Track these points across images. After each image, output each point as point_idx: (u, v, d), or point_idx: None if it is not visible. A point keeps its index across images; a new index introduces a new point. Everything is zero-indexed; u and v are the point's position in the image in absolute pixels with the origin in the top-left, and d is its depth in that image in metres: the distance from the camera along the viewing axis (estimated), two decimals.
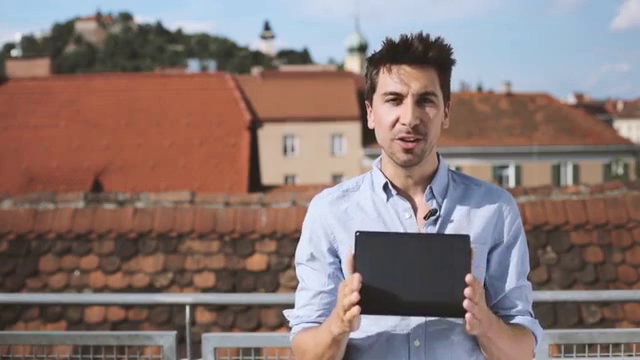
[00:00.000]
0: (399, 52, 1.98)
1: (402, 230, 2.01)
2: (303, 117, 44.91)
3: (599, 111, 76.48)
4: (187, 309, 4.21)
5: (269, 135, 38.86)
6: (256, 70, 64.22)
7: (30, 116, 21.77)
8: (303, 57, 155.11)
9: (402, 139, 1.98)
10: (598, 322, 5.85)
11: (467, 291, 1.78)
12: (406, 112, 1.97)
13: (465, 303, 1.78)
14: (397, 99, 1.99)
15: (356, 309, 1.78)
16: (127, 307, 5.99)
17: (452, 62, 2.04)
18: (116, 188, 18.77)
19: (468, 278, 1.78)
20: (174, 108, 22.24)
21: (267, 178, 30.18)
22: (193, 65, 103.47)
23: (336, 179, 39.88)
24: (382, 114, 2.01)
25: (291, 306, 2.14)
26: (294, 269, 2.99)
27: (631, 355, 3.90)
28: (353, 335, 1.93)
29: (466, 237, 1.81)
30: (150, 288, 6.14)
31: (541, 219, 6.28)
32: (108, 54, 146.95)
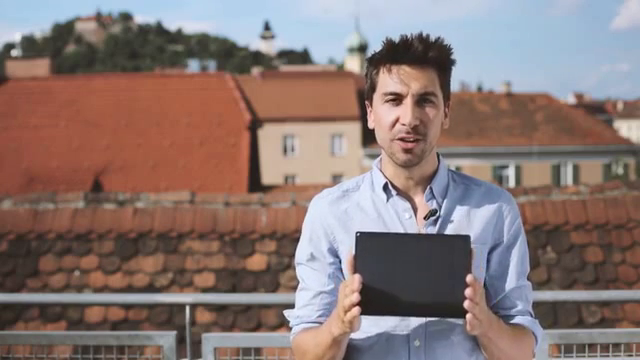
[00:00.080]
0: (399, 52, 1.98)
1: (402, 230, 2.01)
2: (303, 117, 44.89)
3: (599, 111, 76.49)
4: (187, 309, 4.21)
5: (269, 135, 38.85)
6: (256, 70, 64.22)
7: (30, 116, 21.77)
8: (303, 57, 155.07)
9: (402, 139, 1.98)
10: (598, 322, 5.85)
11: (468, 291, 1.78)
12: (406, 112, 1.97)
13: (466, 303, 1.78)
14: (397, 99, 1.99)
15: (357, 310, 1.78)
16: (127, 307, 5.99)
17: (452, 62, 2.04)
18: (116, 188, 18.76)
19: (469, 278, 1.78)
20: (174, 108, 22.24)
21: (267, 178, 30.18)
22: (193, 65, 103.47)
23: (336, 179, 39.86)
24: (382, 114, 2.01)
25: (291, 306, 2.14)
26: (294, 269, 2.98)
27: (631, 355, 3.90)
28: (353, 335, 1.93)
29: (466, 237, 1.81)
30: (150, 288, 6.14)
31: (541, 219, 6.28)
32: (108, 54, 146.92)
